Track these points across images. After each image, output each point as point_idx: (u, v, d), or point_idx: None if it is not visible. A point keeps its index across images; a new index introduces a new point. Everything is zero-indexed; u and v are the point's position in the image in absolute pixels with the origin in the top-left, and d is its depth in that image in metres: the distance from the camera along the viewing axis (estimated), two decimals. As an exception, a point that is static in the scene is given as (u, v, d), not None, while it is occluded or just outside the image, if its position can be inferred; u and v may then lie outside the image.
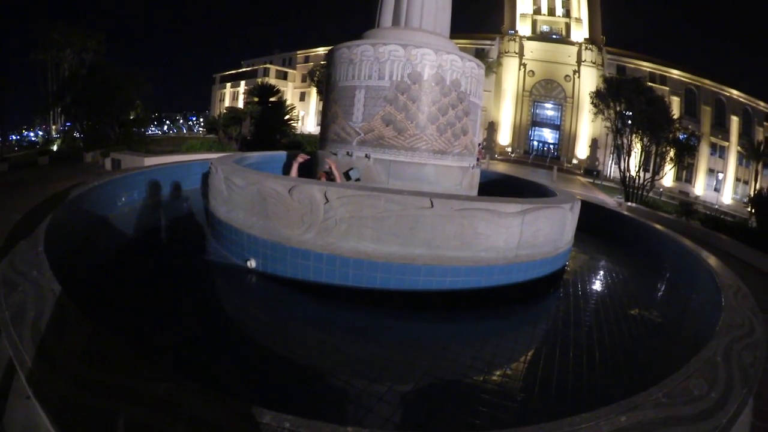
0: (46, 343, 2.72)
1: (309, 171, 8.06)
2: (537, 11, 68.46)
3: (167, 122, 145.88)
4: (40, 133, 68.75)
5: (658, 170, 32.89)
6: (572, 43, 65.23)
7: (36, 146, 54.14)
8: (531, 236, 5.69)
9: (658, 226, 9.79)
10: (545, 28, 68.09)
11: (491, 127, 65.51)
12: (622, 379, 4.20)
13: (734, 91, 62.07)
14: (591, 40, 65.06)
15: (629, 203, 26.86)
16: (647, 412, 2.61)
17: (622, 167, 33.04)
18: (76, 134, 37.86)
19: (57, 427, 2.24)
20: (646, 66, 63.90)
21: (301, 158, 7.52)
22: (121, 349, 2.68)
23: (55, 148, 38.78)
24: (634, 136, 33.20)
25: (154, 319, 4.44)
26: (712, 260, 6.84)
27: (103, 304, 4.30)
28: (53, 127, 53.44)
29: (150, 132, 68.09)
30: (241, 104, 53.25)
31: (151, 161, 17.26)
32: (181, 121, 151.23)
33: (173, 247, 7.30)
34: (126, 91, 33.64)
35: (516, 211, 5.48)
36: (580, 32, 66.11)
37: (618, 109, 33.94)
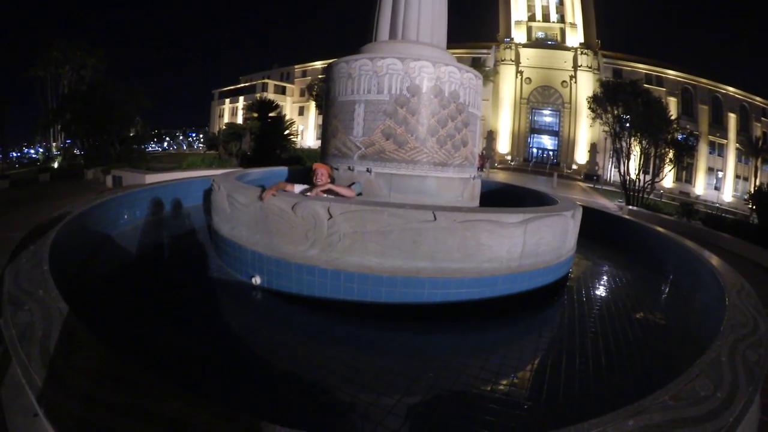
0: (56, 362, 2.75)
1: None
2: (532, 18, 68.80)
3: (167, 139, 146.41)
4: (41, 150, 68.85)
5: (657, 172, 32.86)
6: (568, 49, 65.50)
7: (37, 163, 54.28)
8: (534, 245, 5.71)
9: (660, 229, 9.81)
10: (540, 34, 68.40)
11: (490, 136, 65.58)
12: (629, 383, 4.21)
13: (730, 88, 62.44)
14: (586, 45, 65.33)
15: (630, 207, 26.91)
16: (654, 415, 2.64)
17: (621, 171, 32.98)
18: (77, 151, 38.02)
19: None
20: (642, 68, 64.11)
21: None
22: (130, 368, 2.71)
23: (55, 165, 38.94)
24: (632, 139, 33.19)
25: (159, 336, 4.45)
26: (714, 260, 6.88)
27: (108, 322, 4.33)
28: (54, 144, 53.64)
29: (150, 149, 68.15)
30: (240, 120, 53.37)
31: (152, 178, 17.34)
32: (181, 137, 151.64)
33: (177, 264, 7.31)
34: (126, 108, 33.77)
35: (518, 221, 5.51)
36: (575, 37, 66.42)
37: (616, 112, 33.96)
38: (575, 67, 64.23)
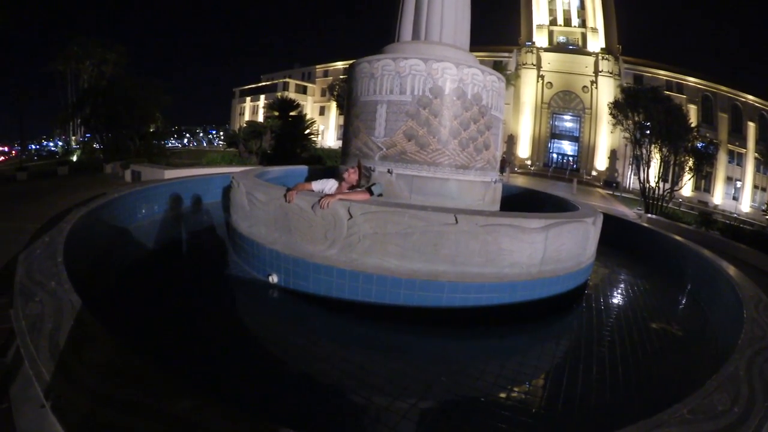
0: (64, 355, 2.74)
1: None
2: (553, 22, 68.23)
3: (187, 135, 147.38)
4: (60, 143, 69.51)
5: (677, 180, 32.47)
6: (589, 54, 64.84)
7: (56, 156, 54.77)
8: (554, 251, 5.65)
9: (678, 238, 9.73)
10: (562, 38, 67.82)
11: (510, 140, 65.02)
12: (646, 394, 4.15)
13: (750, 97, 61.54)
14: (607, 50, 64.61)
15: (649, 215, 26.56)
16: (672, 429, 2.59)
17: (641, 178, 32.59)
18: (96, 145, 38.24)
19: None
20: (663, 74, 63.43)
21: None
22: (141, 365, 2.68)
23: (74, 158, 39.21)
24: (653, 146, 32.81)
25: (173, 333, 4.46)
26: (732, 271, 6.76)
27: (122, 317, 4.34)
28: (73, 137, 54.09)
29: (170, 145, 68.51)
30: (261, 118, 53.48)
31: (171, 174, 17.43)
32: (201, 134, 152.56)
33: (194, 260, 7.34)
34: (146, 104, 33.92)
35: (540, 226, 5.45)
36: (596, 42, 65.76)
37: (636, 119, 33.57)
38: (596, 72, 63.61)
